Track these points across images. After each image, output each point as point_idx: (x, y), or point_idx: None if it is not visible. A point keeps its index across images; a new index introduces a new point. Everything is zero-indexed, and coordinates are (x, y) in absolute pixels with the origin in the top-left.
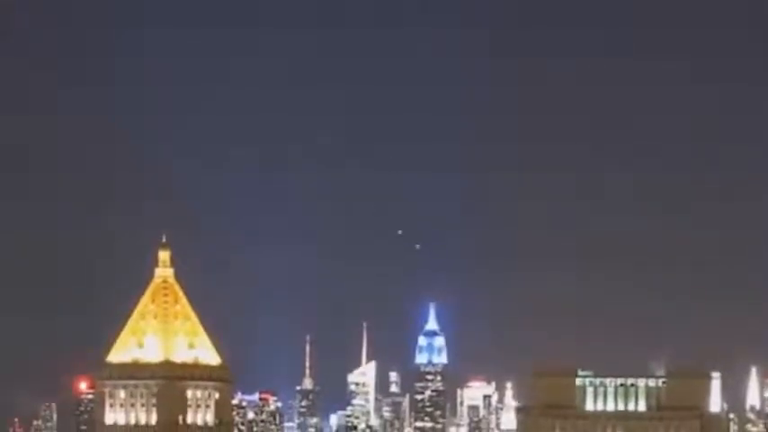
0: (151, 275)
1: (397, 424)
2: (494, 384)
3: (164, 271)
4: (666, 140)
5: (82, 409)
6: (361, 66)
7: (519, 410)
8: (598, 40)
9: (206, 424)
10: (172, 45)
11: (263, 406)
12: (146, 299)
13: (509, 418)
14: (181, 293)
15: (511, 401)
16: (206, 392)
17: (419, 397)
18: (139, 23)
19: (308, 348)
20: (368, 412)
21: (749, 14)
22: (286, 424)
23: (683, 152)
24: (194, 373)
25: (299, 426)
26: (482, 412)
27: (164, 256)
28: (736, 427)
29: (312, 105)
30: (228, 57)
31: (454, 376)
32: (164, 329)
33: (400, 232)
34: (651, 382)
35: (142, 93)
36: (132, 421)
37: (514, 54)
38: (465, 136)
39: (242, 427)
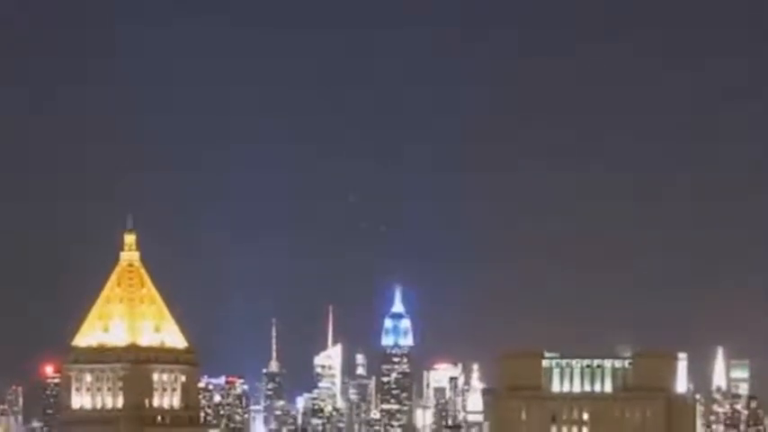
0: (117, 260)
1: (363, 406)
2: (460, 366)
3: (129, 255)
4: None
5: (48, 392)
6: (362, 66)
7: (485, 392)
8: (598, 39)
9: (172, 407)
10: (172, 45)
11: (230, 389)
12: (111, 283)
13: (475, 400)
14: (146, 277)
15: (477, 383)
16: (172, 376)
17: (385, 379)
18: (139, 23)
19: (274, 331)
20: (334, 395)
21: (749, 14)
22: (253, 407)
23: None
24: (160, 356)
25: (266, 408)
26: (448, 394)
27: (129, 239)
28: (702, 408)
29: (310, 105)
30: (228, 57)
31: (420, 358)
32: (129, 313)
33: (362, 229)
34: (617, 363)
35: (142, 93)
36: (98, 405)
37: (515, 54)
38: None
39: (208, 411)
